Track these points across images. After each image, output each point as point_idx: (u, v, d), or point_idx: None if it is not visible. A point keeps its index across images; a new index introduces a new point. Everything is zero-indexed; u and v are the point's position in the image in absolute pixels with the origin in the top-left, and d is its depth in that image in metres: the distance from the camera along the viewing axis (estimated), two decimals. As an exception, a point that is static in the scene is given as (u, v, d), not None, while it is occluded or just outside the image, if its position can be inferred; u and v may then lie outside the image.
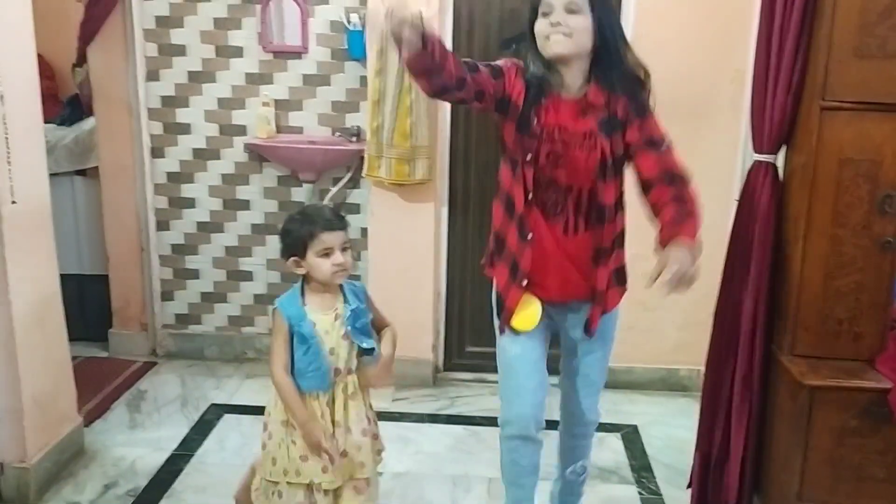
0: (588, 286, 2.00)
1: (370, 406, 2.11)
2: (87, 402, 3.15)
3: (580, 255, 1.97)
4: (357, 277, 3.61)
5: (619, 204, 1.97)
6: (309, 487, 2.01)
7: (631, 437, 3.07)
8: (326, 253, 1.93)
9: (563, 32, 1.80)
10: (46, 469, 2.60)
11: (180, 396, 3.33)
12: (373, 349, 2.04)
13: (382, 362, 2.04)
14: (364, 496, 2.08)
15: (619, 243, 2.00)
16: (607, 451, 2.95)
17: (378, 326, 2.11)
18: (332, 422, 2.00)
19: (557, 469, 2.38)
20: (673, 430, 3.09)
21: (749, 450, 2.32)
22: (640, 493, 2.69)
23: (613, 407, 3.30)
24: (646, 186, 1.88)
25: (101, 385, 3.36)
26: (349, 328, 1.99)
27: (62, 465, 2.69)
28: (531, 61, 1.88)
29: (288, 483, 2.00)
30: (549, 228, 1.94)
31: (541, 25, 1.84)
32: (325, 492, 2.01)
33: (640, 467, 2.85)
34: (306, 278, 1.99)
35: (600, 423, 3.09)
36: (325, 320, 1.98)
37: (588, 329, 2.05)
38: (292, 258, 1.97)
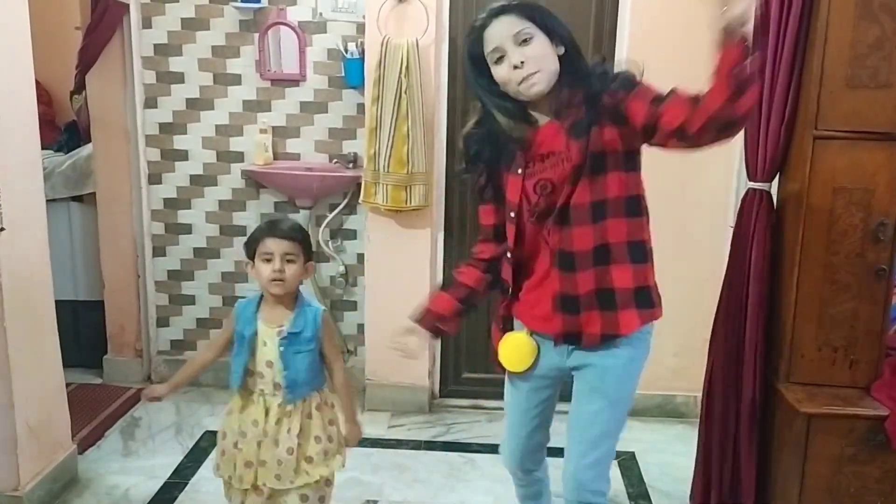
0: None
1: (327, 424, 2.12)
2: (81, 429, 3.13)
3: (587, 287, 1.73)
4: (353, 304, 3.62)
5: (614, 209, 1.68)
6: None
7: (628, 464, 3.05)
8: (268, 259, 1.99)
9: (531, 70, 1.63)
10: (39, 498, 2.57)
11: (175, 423, 3.30)
12: (293, 400, 2.06)
13: (351, 434, 2.15)
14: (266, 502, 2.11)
15: (615, 254, 1.70)
16: (604, 478, 2.93)
17: (327, 359, 2.12)
18: (264, 432, 2.05)
19: None
20: (670, 457, 3.08)
21: (758, 479, 2.32)
22: (637, 522, 2.68)
23: (610, 434, 3.30)
24: (685, 130, 1.53)
25: (96, 412, 3.34)
26: (281, 349, 2.02)
27: (55, 494, 2.66)
28: (503, 123, 1.72)
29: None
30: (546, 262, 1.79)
31: (502, 73, 1.66)
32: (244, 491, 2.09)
33: (638, 495, 2.83)
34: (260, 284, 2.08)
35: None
36: (268, 332, 2.04)
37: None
38: (247, 261, 2.07)
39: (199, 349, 2.08)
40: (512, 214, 1.79)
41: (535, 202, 1.73)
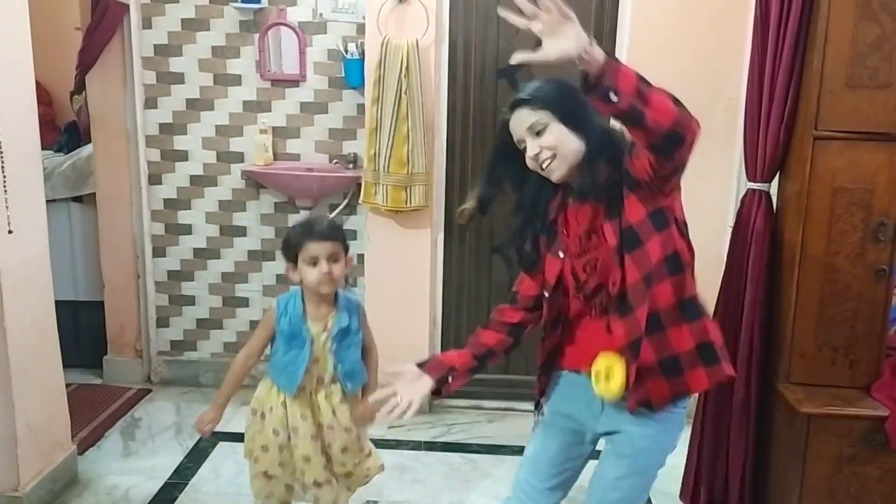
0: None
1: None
2: (81, 429, 3.14)
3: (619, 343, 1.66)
4: (353, 304, 3.62)
5: (658, 274, 1.63)
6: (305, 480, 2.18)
7: (628, 464, 3.04)
8: (314, 262, 2.01)
9: (548, 157, 1.64)
10: (40, 498, 2.57)
11: (175, 424, 3.31)
12: (356, 388, 2.18)
13: (369, 409, 2.15)
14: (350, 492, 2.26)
15: (667, 321, 1.64)
16: (604, 478, 2.93)
17: (365, 346, 2.23)
18: (317, 425, 2.13)
19: None
20: (670, 457, 3.06)
21: (747, 477, 2.31)
22: (637, 522, 2.67)
23: (610, 434, 3.29)
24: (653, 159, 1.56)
25: (96, 412, 3.34)
26: (333, 346, 2.09)
27: (55, 494, 2.66)
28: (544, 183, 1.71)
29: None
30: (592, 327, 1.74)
31: (529, 164, 1.69)
32: (313, 483, 2.16)
33: (638, 495, 2.83)
34: (305, 288, 2.10)
35: (597, 450, 3.10)
36: (315, 329, 2.08)
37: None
38: (287, 264, 2.08)
39: (239, 358, 2.04)
40: (546, 294, 1.75)
41: (585, 280, 1.70)
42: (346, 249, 2.11)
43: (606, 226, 1.64)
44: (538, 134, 1.65)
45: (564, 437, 1.85)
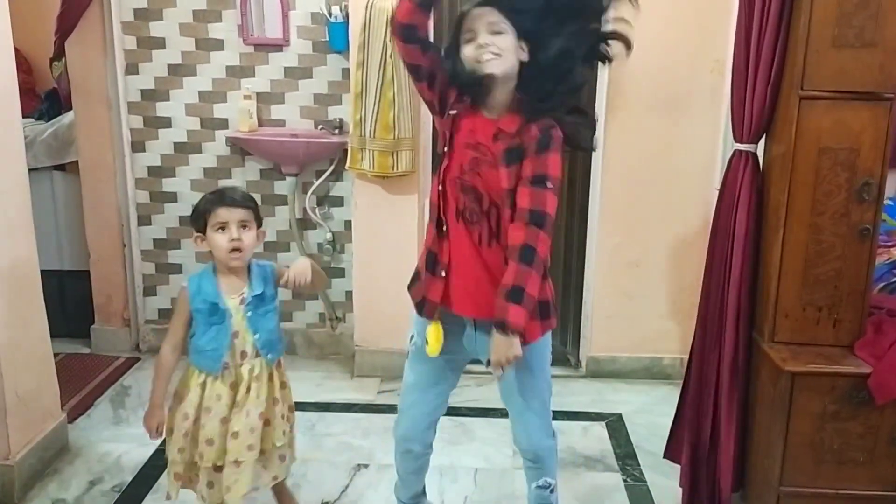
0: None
1: (283, 392, 2.15)
2: (71, 398, 3.14)
3: (495, 268, 1.85)
4: (342, 270, 3.62)
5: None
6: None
7: (615, 425, 3.09)
8: (222, 228, 1.96)
9: (493, 52, 1.77)
10: (31, 466, 2.58)
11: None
12: (276, 359, 2.11)
13: (300, 263, 2.06)
14: (244, 474, 2.06)
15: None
16: (592, 439, 2.97)
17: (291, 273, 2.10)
18: (233, 404, 2.03)
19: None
20: (657, 418, 3.12)
21: (733, 436, 2.35)
22: (624, 481, 2.71)
23: (598, 396, 3.34)
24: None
25: (85, 381, 3.34)
26: (248, 315, 2.02)
27: (47, 462, 2.67)
28: (461, 72, 1.83)
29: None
30: (467, 234, 1.89)
31: (468, 51, 1.80)
32: (212, 467, 2.06)
33: (625, 455, 2.87)
34: (215, 260, 2.03)
35: (586, 413, 3.15)
36: (231, 303, 2.02)
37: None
38: (196, 234, 2.02)
39: (164, 353, 2.05)
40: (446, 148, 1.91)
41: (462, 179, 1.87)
42: (259, 221, 2.04)
43: (502, 168, 1.80)
44: (496, 33, 1.78)
45: (453, 360, 2.15)
